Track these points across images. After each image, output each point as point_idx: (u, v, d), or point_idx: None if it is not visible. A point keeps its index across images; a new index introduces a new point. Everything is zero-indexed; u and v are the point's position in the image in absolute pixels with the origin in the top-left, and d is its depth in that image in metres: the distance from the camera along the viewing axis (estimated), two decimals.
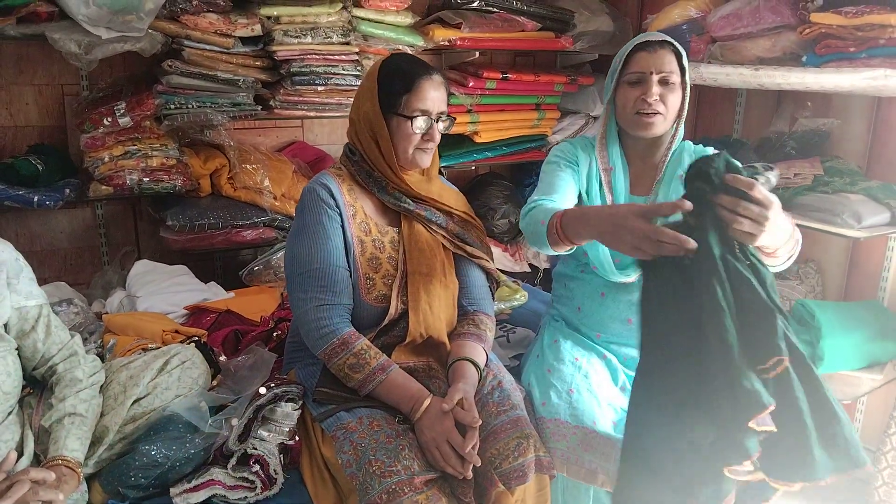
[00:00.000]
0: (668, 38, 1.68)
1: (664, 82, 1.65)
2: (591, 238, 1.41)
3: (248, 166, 2.59)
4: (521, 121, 3.13)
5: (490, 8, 2.87)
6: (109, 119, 2.30)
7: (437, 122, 1.63)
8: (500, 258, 3.12)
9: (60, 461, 1.29)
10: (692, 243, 1.17)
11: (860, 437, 2.46)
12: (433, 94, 1.60)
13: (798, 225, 2.22)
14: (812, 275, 2.53)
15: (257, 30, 2.42)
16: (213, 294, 2.40)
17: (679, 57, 1.67)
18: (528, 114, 3.13)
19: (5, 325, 1.39)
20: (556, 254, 1.55)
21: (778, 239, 1.28)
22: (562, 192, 1.65)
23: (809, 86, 2.15)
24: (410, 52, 2.63)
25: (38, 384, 1.50)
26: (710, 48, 2.44)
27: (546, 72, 3.15)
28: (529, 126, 3.15)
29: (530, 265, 3.19)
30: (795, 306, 2.25)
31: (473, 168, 3.23)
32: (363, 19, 2.60)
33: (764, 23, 2.23)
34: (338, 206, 1.60)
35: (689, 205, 1.20)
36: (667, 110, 1.66)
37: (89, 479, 1.42)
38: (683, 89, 1.69)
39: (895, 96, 2.17)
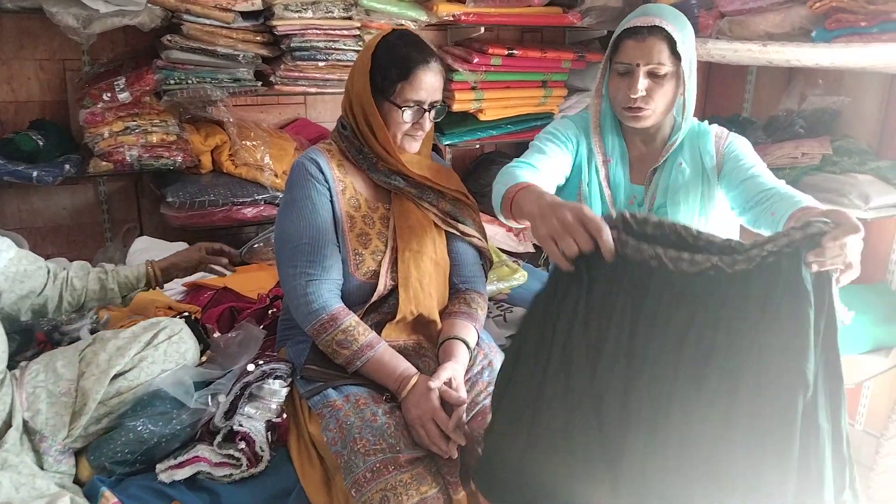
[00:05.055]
0: (661, 24, 1.52)
1: (652, 75, 1.55)
2: (526, 217, 1.27)
3: (248, 143, 2.57)
4: (527, 98, 3.07)
5: None
6: (109, 94, 2.29)
7: (430, 111, 1.60)
8: (504, 238, 3.08)
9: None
10: (610, 249, 1.05)
11: (864, 423, 2.44)
12: (428, 85, 1.56)
13: None
14: None
15: (258, 4, 2.38)
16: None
17: (672, 44, 1.53)
18: (534, 91, 3.06)
19: None
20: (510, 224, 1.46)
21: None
22: (543, 164, 1.58)
23: (819, 62, 2.08)
24: (412, 30, 2.57)
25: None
26: (718, 23, 2.37)
27: (554, 48, 3.08)
28: (535, 104, 3.09)
29: (535, 245, 3.16)
30: None
31: (478, 146, 3.18)
32: None
33: None
34: (326, 181, 1.58)
35: (610, 254, 1.06)
36: (654, 105, 1.57)
37: (77, 454, 1.43)
38: (678, 79, 1.58)
39: None
